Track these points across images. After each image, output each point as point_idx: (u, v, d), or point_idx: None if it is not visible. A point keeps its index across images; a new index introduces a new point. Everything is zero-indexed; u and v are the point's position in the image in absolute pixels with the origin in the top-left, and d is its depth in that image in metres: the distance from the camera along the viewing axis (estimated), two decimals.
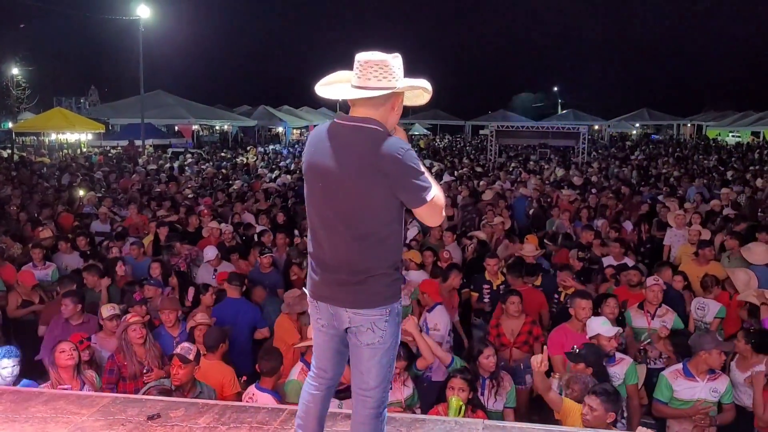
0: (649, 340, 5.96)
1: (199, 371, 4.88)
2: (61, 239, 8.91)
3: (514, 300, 6.04)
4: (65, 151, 31.75)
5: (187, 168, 21.44)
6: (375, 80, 2.63)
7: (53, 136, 34.34)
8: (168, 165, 22.56)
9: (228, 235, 9.24)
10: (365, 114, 2.69)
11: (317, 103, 51.45)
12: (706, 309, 6.53)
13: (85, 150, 31.91)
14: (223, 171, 20.49)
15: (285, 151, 32.72)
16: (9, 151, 29.26)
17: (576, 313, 5.52)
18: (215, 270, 7.93)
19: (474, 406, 4.56)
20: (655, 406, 4.95)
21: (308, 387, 3.05)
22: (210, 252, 8.12)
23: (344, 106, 2.85)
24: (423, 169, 2.66)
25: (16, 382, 4.63)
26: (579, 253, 8.37)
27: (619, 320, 5.79)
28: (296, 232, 9.68)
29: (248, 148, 34.65)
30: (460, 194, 13.72)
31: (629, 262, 8.07)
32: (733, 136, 48.58)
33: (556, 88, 76.13)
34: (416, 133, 53.95)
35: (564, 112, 59.43)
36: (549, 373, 4.76)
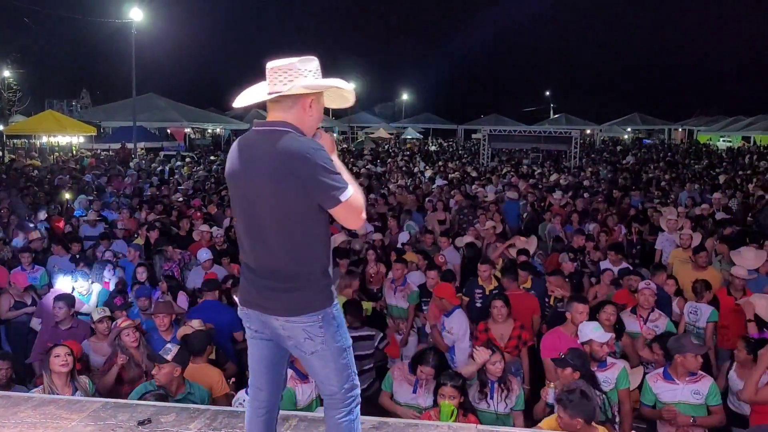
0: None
1: (187, 375, 4.87)
2: (53, 242, 8.89)
3: (497, 304, 6.04)
4: (56, 154, 31.57)
5: (176, 171, 21.40)
6: (281, 84, 2.64)
7: (44, 139, 34.12)
8: (160, 168, 22.49)
9: (219, 239, 9.23)
10: (278, 117, 2.69)
11: None
12: (699, 313, 6.55)
13: (76, 153, 31.72)
14: (215, 174, 20.45)
15: None
16: (0, 153, 29.09)
17: (572, 317, 5.51)
18: (206, 274, 7.90)
19: (466, 411, 4.55)
20: (642, 409, 4.98)
21: (249, 407, 3.02)
22: (204, 254, 8.11)
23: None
24: (338, 168, 2.61)
25: (8, 386, 4.59)
26: (569, 254, 8.41)
27: (617, 327, 5.77)
28: None
29: None
30: (452, 198, 13.75)
31: (624, 265, 8.11)
32: (723, 140, 48.88)
33: (548, 93, 76.44)
34: (409, 137, 54.02)
35: (556, 116, 59.67)
36: (543, 380, 4.77)
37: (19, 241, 9.38)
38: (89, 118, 33.33)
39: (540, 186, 16.92)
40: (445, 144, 49.71)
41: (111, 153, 30.31)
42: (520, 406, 4.91)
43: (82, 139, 33.68)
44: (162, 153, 30.57)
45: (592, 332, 5.07)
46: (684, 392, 4.78)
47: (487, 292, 7.04)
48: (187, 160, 26.40)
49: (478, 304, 7.04)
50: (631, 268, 8.00)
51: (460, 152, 38.58)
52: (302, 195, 2.57)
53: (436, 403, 4.58)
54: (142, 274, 7.45)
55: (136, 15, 30.38)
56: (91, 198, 13.62)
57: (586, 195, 14.28)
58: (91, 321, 5.91)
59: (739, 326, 6.45)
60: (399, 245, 8.94)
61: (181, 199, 13.98)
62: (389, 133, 53.91)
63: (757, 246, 8.10)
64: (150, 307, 6.46)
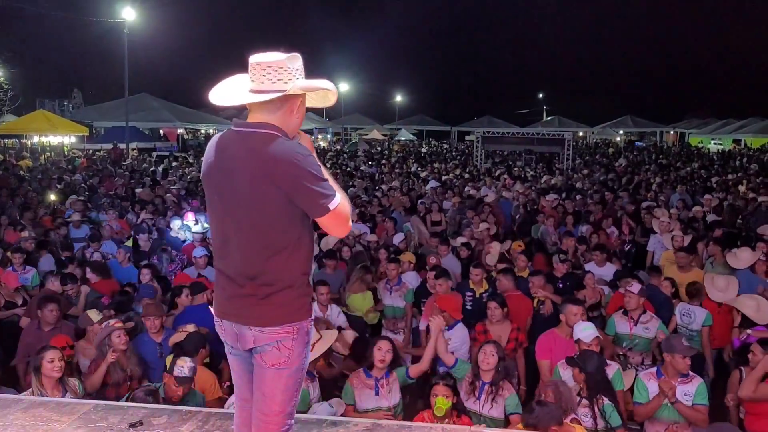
0: (629, 346, 5.99)
1: None
2: (42, 245, 8.86)
3: (490, 305, 6.07)
4: (47, 154, 31.40)
5: (170, 172, 21.33)
6: (269, 83, 2.47)
7: (36, 139, 33.95)
8: (152, 168, 22.40)
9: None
10: (262, 119, 2.52)
11: None
12: (693, 316, 6.54)
13: (68, 153, 31.56)
14: None
15: None
16: None
17: (567, 319, 5.52)
18: (199, 274, 7.90)
19: (459, 412, 4.55)
20: (635, 409, 4.99)
21: (236, 420, 2.88)
22: (199, 251, 8.11)
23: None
24: (325, 176, 2.49)
25: None
26: (561, 256, 8.42)
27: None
28: None
29: None
30: (447, 200, 13.77)
31: (612, 267, 8.12)
32: (715, 143, 49.18)
33: (541, 95, 76.70)
34: (402, 138, 54.05)
35: (549, 118, 59.88)
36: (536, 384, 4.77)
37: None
38: (81, 118, 33.23)
39: (533, 188, 16.95)
40: (437, 145, 49.70)
41: (103, 153, 30.19)
42: (514, 409, 4.89)
43: (73, 139, 33.52)
44: (155, 153, 30.47)
45: (581, 332, 5.12)
46: (676, 393, 4.80)
47: (478, 295, 7.04)
48: (180, 160, 26.33)
49: (469, 307, 7.04)
50: (618, 269, 8.00)
51: (453, 153, 38.64)
52: (285, 201, 2.44)
53: (399, 404, 4.64)
54: (146, 275, 7.40)
55: (129, 15, 30.29)
56: (82, 199, 13.56)
57: (578, 197, 14.32)
58: (85, 323, 5.84)
59: (724, 328, 6.51)
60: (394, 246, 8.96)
61: (174, 200, 13.92)
62: (383, 135, 53.93)
63: (750, 248, 8.14)
64: None
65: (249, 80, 2.52)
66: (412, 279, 7.59)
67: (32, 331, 5.84)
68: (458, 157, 33.90)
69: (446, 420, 4.33)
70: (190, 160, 27.22)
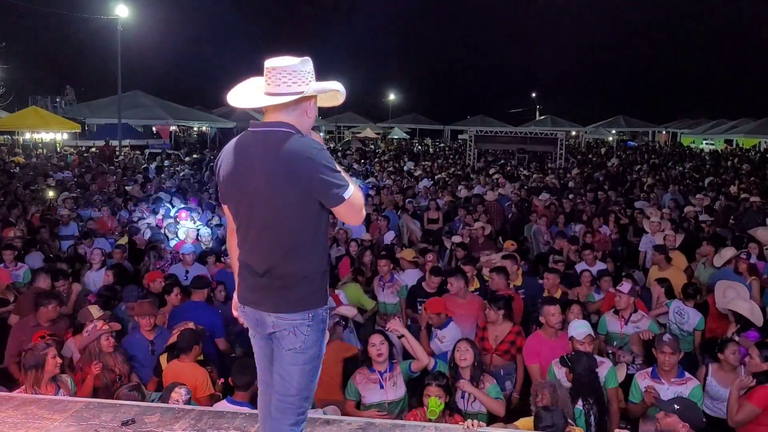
0: (620, 345, 6.03)
1: (173, 373, 4.85)
2: (31, 243, 8.83)
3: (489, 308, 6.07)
4: (40, 150, 31.22)
5: (165, 169, 21.27)
6: (285, 86, 2.64)
7: (28, 136, 33.73)
8: (144, 166, 22.33)
9: (205, 238, 9.21)
10: (278, 119, 2.69)
11: None
12: (686, 316, 6.57)
13: (60, 150, 31.38)
14: (207, 172, 20.32)
15: None
16: None
17: (546, 320, 5.54)
18: (187, 271, 7.90)
19: (451, 411, 4.57)
20: (629, 406, 5.04)
21: (261, 400, 3.01)
22: (187, 249, 8.12)
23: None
24: (338, 168, 2.65)
25: None
26: (555, 257, 8.45)
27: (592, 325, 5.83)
28: None
29: None
30: (440, 198, 13.78)
31: (602, 266, 8.16)
32: (707, 143, 49.39)
33: (534, 94, 76.77)
34: (395, 137, 54.03)
35: (542, 117, 59.98)
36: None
37: None
38: (73, 115, 33.00)
39: (524, 187, 17.00)
40: (434, 145, 49.66)
41: (95, 150, 30.05)
42: (496, 395, 4.88)
43: (66, 136, 33.34)
44: (147, 151, 30.36)
45: (574, 330, 5.18)
46: (668, 393, 4.83)
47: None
48: (173, 157, 26.24)
49: None
50: (607, 269, 8.03)
51: (446, 152, 38.67)
52: (305, 195, 2.60)
53: (416, 398, 4.62)
54: (109, 277, 7.38)
55: (122, 12, 30.14)
56: (74, 196, 13.50)
57: (570, 196, 14.37)
58: (85, 320, 5.80)
59: (724, 331, 6.53)
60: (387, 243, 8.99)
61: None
62: (376, 133, 53.90)
63: (736, 248, 8.19)
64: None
65: (265, 83, 2.68)
66: (413, 276, 7.61)
67: (28, 329, 5.78)
68: (452, 156, 33.94)
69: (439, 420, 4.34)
70: (183, 158, 27.15)
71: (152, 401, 4.53)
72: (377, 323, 7.22)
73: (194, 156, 28.10)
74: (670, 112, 64.37)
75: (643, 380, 4.98)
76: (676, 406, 3.97)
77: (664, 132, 60.77)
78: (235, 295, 2.94)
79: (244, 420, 3.79)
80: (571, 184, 18.20)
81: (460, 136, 53.36)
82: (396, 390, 4.92)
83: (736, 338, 5.76)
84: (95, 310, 5.70)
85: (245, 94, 2.75)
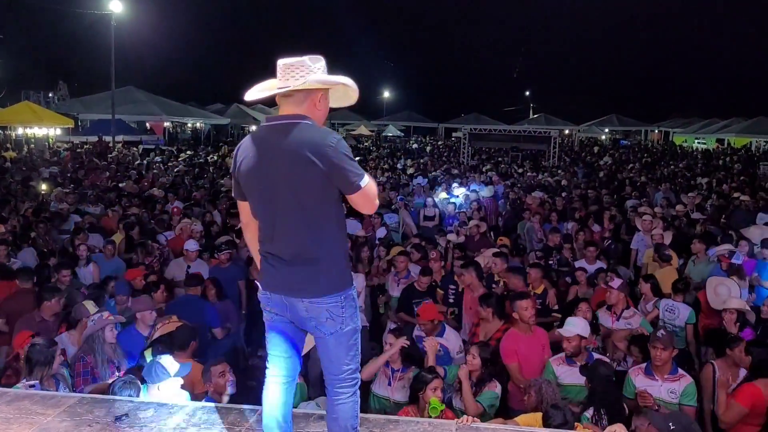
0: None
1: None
2: (22, 239, 8.80)
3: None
4: (32, 146, 31.04)
5: (156, 165, 21.20)
6: (293, 80, 2.79)
7: (20, 131, 33.52)
8: (138, 162, 22.25)
9: (197, 234, 9.21)
10: (290, 112, 2.84)
11: None
12: (676, 312, 6.63)
13: (52, 145, 31.21)
14: (196, 169, 20.28)
15: None
16: None
17: (520, 316, 5.45)
18: (189, 267, 7.92)
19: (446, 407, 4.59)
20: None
21: (267, 382, 3.10)
22: (191, 245, 8.12)
23: None
24: (354, 158, 2.81)
25: None
26: (538, 252, 8.51)
27: (593, 324, 5.85)
28: None
29: (220, 145, 34.33)
30: (437, 196, 13.84)
31: (601, 265, 8.21)
32: (698, 142, 49.60)
33: (528, 93, 76.79)
34: (390, 134, 53.97)
35: (536, 116, 60.06)
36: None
37: None
38: (66, 110, 32.75)
39: (519, 185, 17.05)
40: (431, 142, 49.65)
41: (89, 146, 29.91)
42: (486, 401, 4.85)
43: (59, 132, 33.15)
44: (141, 147, 30.25)
45: (564, 325, 5.20)
46: (661, 389, 4.86)
47: (460, 289, 7.09)
48: (167, 153, 26.14)
49: (451, 300, 7.17)
50: (605, 267, 8.10)
51: (440, 149, 38.70)
52: (326, 181, 2.73)
53: (412, 400, 4.61)
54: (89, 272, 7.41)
55: (116, 7, 30.00)
56: (67, 191, 13.45)
57: (563, 194, 14.44)
58: (81, 315, 5.80)
59: (718, 324, 6.58)
60: (377, 240, 9.04)
61: (159, 193, 13.85)
62: (370, 131, 53.83)
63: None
64: (127, 302, 6.42)
65: (278, 80, 2.84)
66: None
67: (34, 324, 5.75)
68: (446, 154, 33.97)
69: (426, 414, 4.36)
70: (181, 155, 27.05)
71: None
72: (389, 318, 7.28)
73: (188, 153, 28.01)
74: (663, 111, 64.58)
75: (636, 376, 5.00)
76: (671, 425, 3.77)
77: (656, 131, 60.98)
78: (258, 283, 3.04)
79: (238, 415, 3.80)
80: (564, 182, 18.27)
81: (454, 134, 53.37)
82: (403, 392, 4.93)
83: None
84: (91, 306, 5.69)
85: (259, 89, 2.94)
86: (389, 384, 4.99)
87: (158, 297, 6.61)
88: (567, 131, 53.91)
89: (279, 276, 2.88)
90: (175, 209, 11.16)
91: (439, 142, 49.62)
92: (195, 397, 4.70)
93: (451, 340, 5.82)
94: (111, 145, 28.88)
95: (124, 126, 32.61)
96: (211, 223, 10.64)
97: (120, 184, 15.46)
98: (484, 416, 4.62)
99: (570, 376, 5.05)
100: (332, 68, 2.94)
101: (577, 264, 8.24)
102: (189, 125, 43.67)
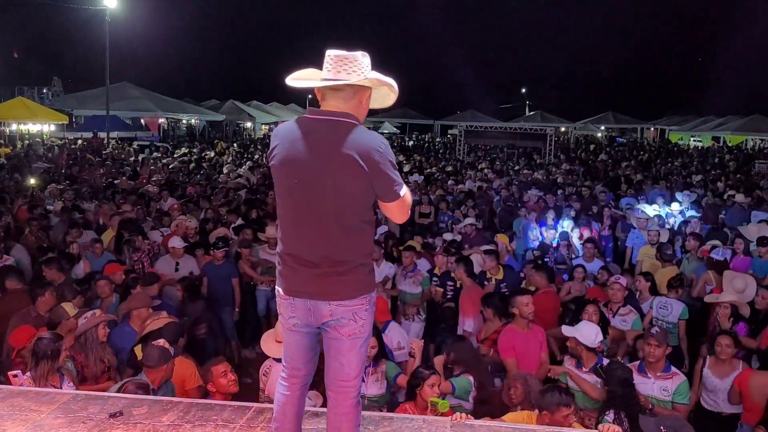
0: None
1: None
2: (15, 234, 8.77)
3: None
4: (25, 142, 30.91)
5: (151, 162, 21.14)
6: (345, 74, 2.69)
7: (14, 127, 33.37)
8: (133, 158, 22.18)
9: (191, 231, 9.19)
10: (336, 107, 2.74)
11: (286, 98, 51.02)
12: (669, 308, 6.65)
13: (46, 141, 31.08)
14: (191, 166, 20.22)
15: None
16: None
17: (520, 311, 5.47)
18: (177, 263, 7.90)
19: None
20: None
21: (282, 388, 3.01)
22: (176, 242, 8.10)
23: (314, 102, 2.87)
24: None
25: None
26: (534, 251, 8.54)
27: (600, 325, 5.82)
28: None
29: (215, 142, 34.26)
30: (433, 194, 13.83)
31: (600, 263, 8.22)
32: (694, 140, 49.69)
33: (524, 90, 76.81)
34: (385, 131, 53.96)
35: (532, 113, 60.09)
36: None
37: None
38: (61, 106, 32.63)
39: (515, 182, 17.06)
40: (428, 139, 49.63)
41: (83, 142, 29.79)
42: (457, 391, 4.89)
43: (53, 128, 33.01)
44: (135, 143, 30.16)
45: (565, 327, 5.18)
46: (654, 387, 4.87)
47: (458, 285, 7.17)
48: (162, 150, 26.06)
49: (449, 296, 7.27)
50: (605, 265, 8.11)
51: (436, 147, 38.69)
52: (367, 185, 2.67)
53: (409, 397, 4.60)
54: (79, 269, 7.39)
55: (110, 2, 29.88)
56: (62, 187, 13.40)
57: (559, 192, 14.44)
58: (55, 316, 5.77)
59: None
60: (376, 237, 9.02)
61: (153, 189, 13.81)
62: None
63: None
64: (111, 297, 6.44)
65: (324, 71, 2.74)
66: (384, 270, 7.90)
67: (30, 319, 5.70)
68: (442, 151, 33.98)
69: (428, 412, 4.35)
70: (176, 151, 26.97)
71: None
72: (399, 312, 7.52)
73: (183, 149, 27.93)
74: (659, 108, 64.63)
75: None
76: (662, 429, 3.77)
77: (652, 129, 61.04)
78: (278, 288, 2.91)
79: (233, 412, 3.78)
80: (559, 179, 18.29)
81: (450, 131, 53.36)
82: (378, 386, 4.95)
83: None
84: (70, 308, 5.62)
85: (304, 77, 2.83)
86: (363, 381, 4.94)
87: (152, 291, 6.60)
88: (563, 129, 53.97)
89: (304, 279, 2.77)
90: (175, 206, 11.15)
91: (437, 139, 49.64)
92: (185, 394, 4.68)
93: (391, 336, 5.84)
94: (105, 141, 28.78)
95: (118, 122, 32.50)
96: (207, 219, 10.61)
97: (114, 181, 15.41)
98: (457, 406, 4.64)
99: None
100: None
101: (575, 262, 8.26)
102: (184, 121, 43.57)
